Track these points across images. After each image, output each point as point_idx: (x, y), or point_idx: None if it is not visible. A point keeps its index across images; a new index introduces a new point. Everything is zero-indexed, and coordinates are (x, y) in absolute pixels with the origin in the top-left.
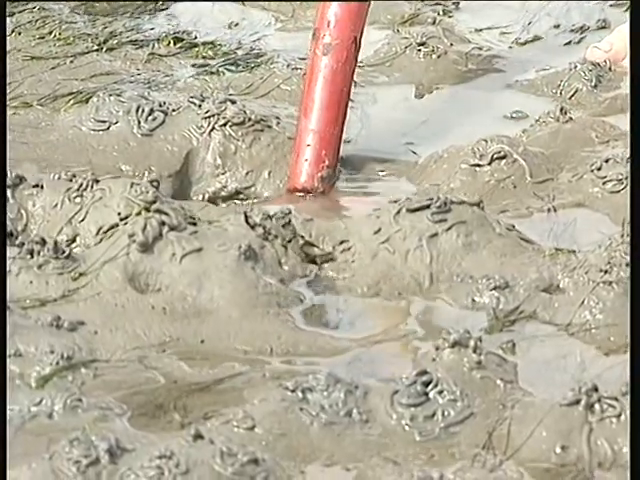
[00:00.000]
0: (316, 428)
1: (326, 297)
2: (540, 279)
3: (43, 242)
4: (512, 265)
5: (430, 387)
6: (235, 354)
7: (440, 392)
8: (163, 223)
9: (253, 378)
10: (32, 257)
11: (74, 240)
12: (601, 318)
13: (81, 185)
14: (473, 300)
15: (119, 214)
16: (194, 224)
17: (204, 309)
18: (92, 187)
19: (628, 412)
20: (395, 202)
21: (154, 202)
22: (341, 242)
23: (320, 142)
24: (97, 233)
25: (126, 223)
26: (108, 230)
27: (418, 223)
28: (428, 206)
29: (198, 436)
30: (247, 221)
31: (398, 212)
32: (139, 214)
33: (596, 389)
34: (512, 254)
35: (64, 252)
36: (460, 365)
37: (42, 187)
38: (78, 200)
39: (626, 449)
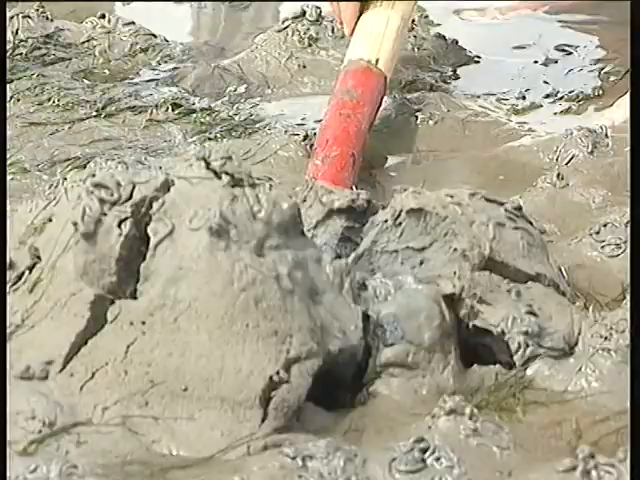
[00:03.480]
0: None
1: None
2: (569, 333)
3: None
4: (553, 301)
5: (427, 454)
6: (224, 415)
7: (437, 459)
8: (103, 201)
9: (252, 446)
10: None
11: (50, 220)
12: (597, 386)
13: (52, 185)
14: (502, 332)
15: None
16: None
17: (183, 323)
18: (64, 182)
19: (627, 479)
20: (469, 190)
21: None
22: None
23: None
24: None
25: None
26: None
27: (490, 210)
28: (503, 204)
29: None
30: (208, 168)
31: (473, 194)
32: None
33: (593, 456)
34: (555, 290)
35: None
36: (456, 432)
37: (17, 210)
38: (52, 196)
39: None
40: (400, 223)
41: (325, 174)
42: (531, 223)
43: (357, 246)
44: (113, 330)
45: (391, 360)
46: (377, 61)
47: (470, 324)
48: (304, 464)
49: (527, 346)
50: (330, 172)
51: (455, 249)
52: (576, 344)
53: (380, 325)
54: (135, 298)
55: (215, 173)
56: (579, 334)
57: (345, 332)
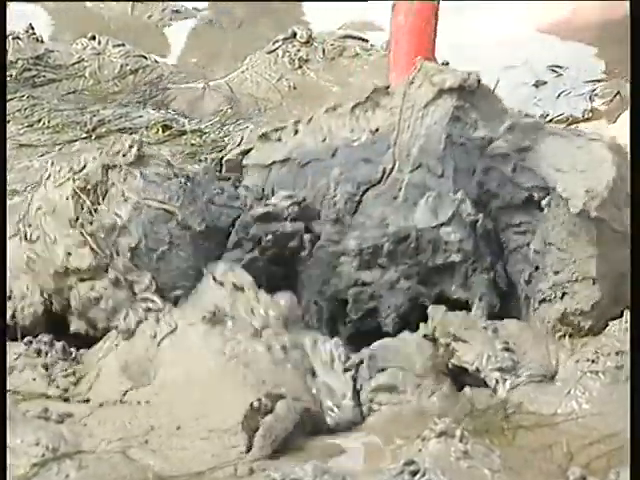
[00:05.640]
0: None
1: None
2: (547, 364)
3: (52, 343)
4: (529, 335)
5: (417, 477)
6: (213, 443)
7: None
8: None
9: (239, 470)
10: (39, 356)
11: (39, 209)
12: (587, 408)
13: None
14: (477, 369)
15: None
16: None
17: (179, 392)
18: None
19: None
20: None
21: None
22: None
23: None
24: None
25: None
26: None
27: None
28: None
29: None
30: (214, 280)
31: None
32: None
33: (584, 478)
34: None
35: (71, 354)
36: (447, 455)
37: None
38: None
39: None
40: None
41: (413, 30)
42: None
43: (466, 125)
44: (123, 407)
45: (382, 383)
46: None
47: (448, 362)
48: None
49: (505, 380)
50: (417, 26)
51: None
52: (556, 372)
53: (372, 356)
54: None
55: (220, 284)
56: (557, 362)
57: (339, 405)
